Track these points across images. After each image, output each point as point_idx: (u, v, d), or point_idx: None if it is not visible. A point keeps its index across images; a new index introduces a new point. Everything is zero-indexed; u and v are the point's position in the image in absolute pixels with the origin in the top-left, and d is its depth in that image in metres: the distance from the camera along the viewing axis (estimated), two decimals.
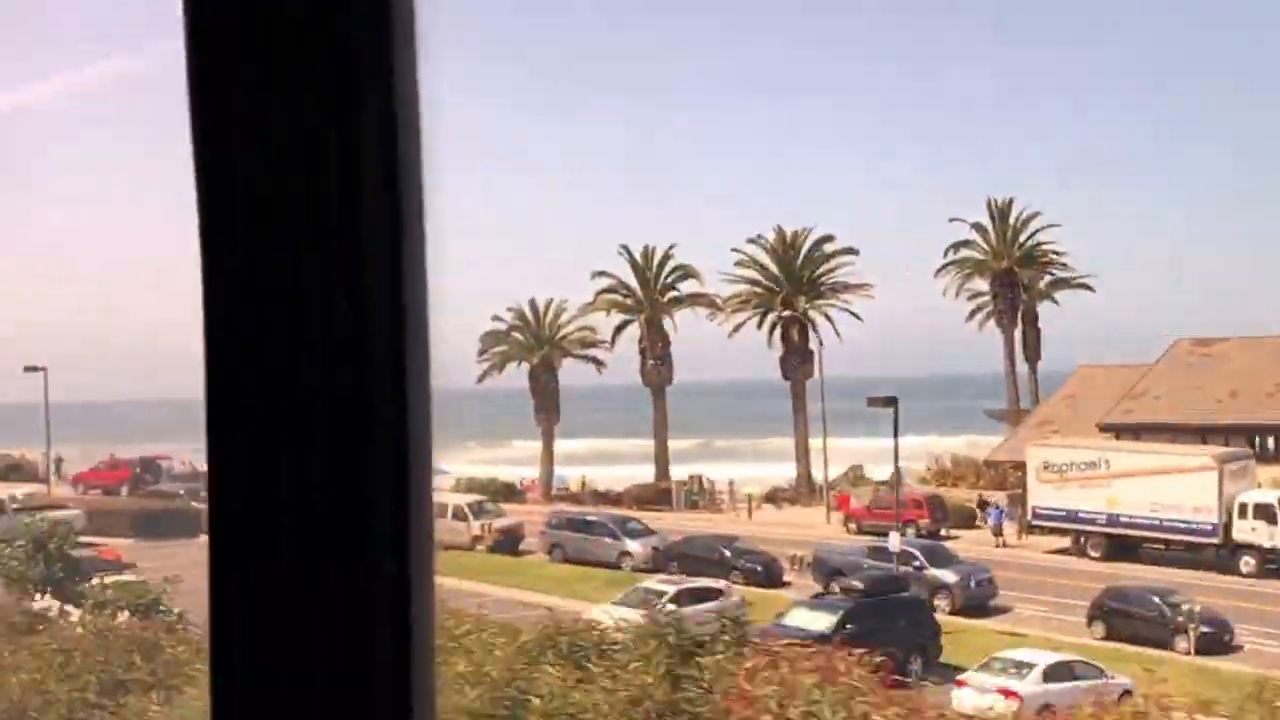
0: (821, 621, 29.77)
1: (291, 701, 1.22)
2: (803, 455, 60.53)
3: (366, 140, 1.21)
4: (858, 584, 32.52)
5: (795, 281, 60.94)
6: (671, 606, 33.92)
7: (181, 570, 26.34)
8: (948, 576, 37.57)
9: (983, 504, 50.01)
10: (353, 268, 1.20)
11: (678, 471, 61.24)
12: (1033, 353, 66.28)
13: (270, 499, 1.21)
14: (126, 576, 30.57)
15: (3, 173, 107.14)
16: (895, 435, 37.37)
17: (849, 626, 29.14)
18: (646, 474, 62.11)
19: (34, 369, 53.73)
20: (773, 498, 58.87)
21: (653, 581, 36.40)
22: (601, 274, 62.53)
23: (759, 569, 40.81)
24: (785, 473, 61.43)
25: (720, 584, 36.30)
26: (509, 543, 46.11)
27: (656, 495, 58.04)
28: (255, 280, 1.20)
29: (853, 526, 49.83)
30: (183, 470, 65.47)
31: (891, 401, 37.32)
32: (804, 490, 59.18)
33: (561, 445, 64.53)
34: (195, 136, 1.21)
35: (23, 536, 30.52)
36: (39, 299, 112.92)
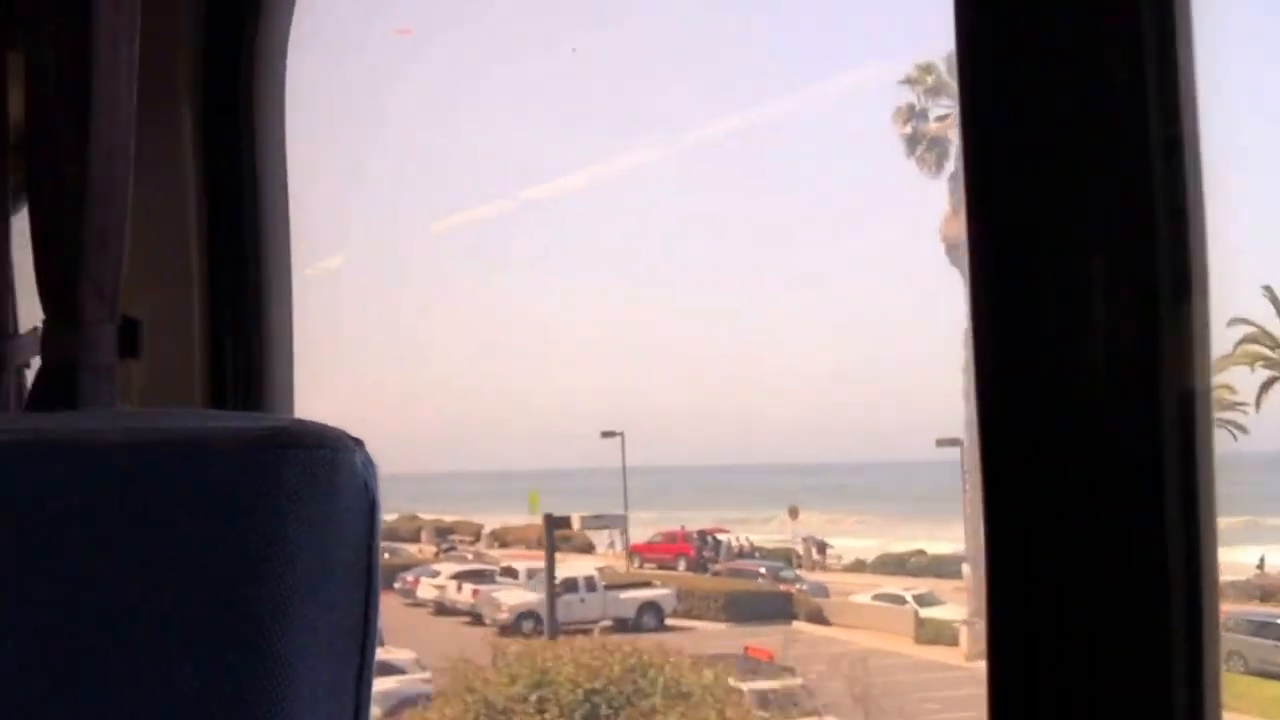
0: None
1: None
2: None
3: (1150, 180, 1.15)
4: None
5: None
6: None
7: (820, 662, 20.67)
8: None
9: None
10: (1143, 309, 1.14)
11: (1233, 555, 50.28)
12: None
13: (1050, 567, 1.17)
14: (789, 680, 24.66)
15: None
16: None
17: None
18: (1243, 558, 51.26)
19: (611, 434, 51.08)
20: None
21: None
22: (1240, 321, 52.67)
23: None
24: None
25: None
26: None
27: None
28: (1025, 326, 1.17)
29: None
30: (740, 546, 61.54)
31: None
32: None
33: None
34: (968, 170, 1.19)
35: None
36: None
